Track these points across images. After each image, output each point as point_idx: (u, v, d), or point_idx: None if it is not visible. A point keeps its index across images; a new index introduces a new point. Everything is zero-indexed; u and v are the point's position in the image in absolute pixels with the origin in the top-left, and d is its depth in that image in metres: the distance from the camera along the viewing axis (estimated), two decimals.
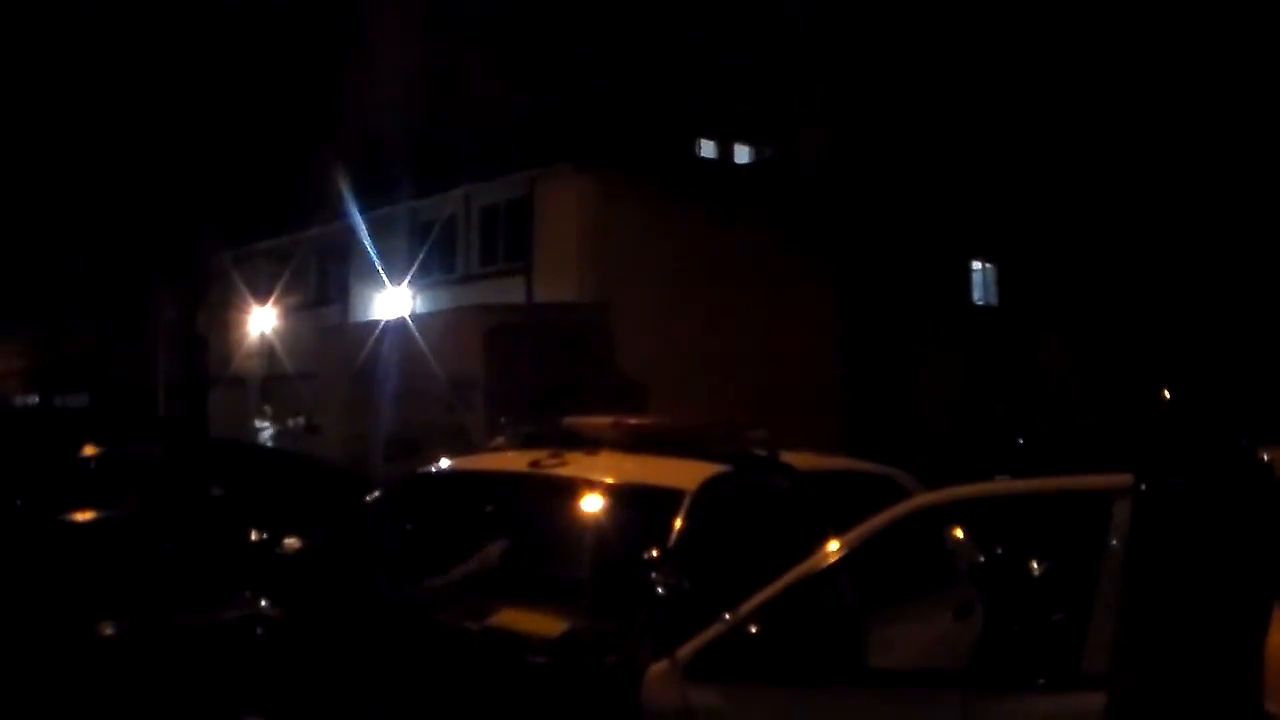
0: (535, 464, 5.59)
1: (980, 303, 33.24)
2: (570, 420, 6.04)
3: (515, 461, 5.78)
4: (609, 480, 5.35)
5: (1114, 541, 4.54)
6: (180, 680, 4.38)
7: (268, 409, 29.20)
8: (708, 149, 30.52)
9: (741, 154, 31.28)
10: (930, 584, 6.43)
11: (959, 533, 6.86)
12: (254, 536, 5.92)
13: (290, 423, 27.58)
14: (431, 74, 28.50)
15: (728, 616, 4.19)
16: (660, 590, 4.23)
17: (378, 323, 24.36)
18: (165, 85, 25.87)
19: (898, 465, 7.25)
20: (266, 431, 28.40)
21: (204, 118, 26.12)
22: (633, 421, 5.94)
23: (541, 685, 4.25)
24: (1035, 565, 7.65)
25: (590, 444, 5.74)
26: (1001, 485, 5.11)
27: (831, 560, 4.48)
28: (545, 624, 4.50)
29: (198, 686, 4.31)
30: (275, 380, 29.58)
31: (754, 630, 4.20)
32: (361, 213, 27.91)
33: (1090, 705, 4.11)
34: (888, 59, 28.57)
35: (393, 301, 26.78)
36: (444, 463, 6.27)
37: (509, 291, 24.81)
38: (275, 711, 4.04)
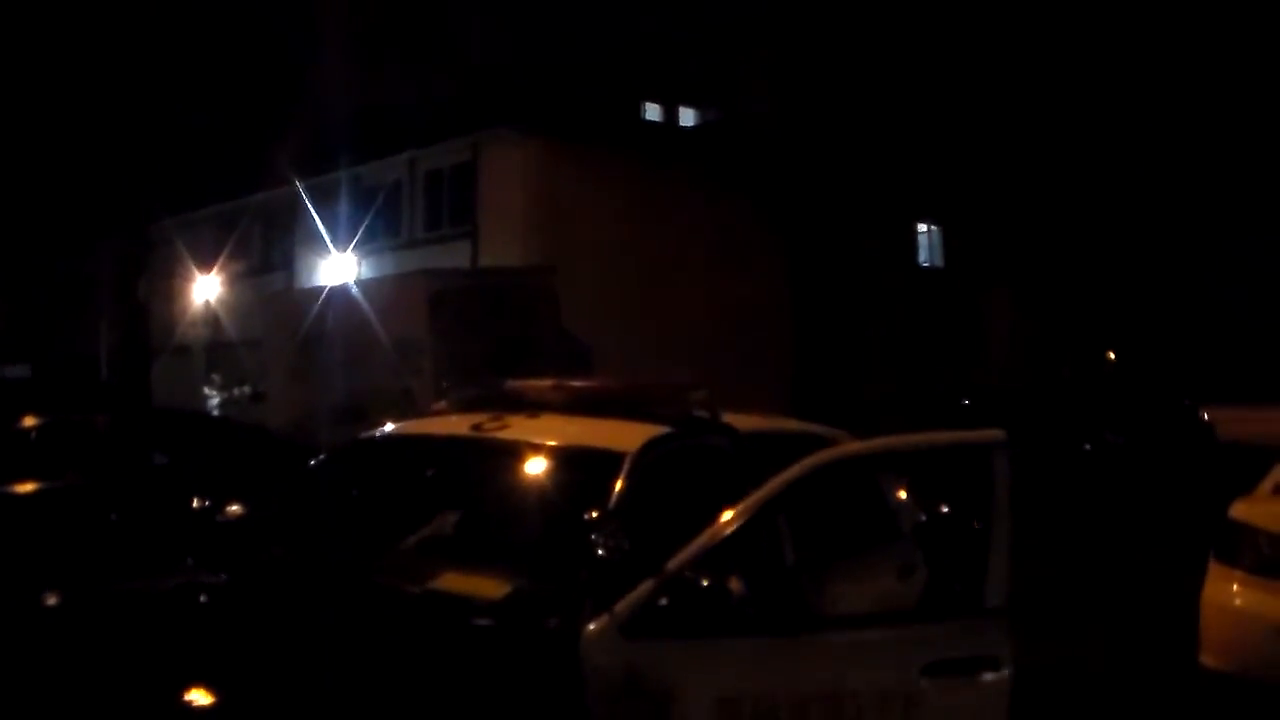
0: (477, 427, 5.58)
1: (925, 264, 33.41)
2: (512, 383, 6.04)
3: (457, 425, 5.77)
4: (550, 443, 5.35)
5: (998, 490, 4.93)
6: (124, 649, 4.36)
7: (215, 378, 29.01)
8: (653, 112, 30.49)
9: (687, 117, 31.26)
10: (872, 543, 6.48)
11: (902, 493, 6.92)
12: (196, 504, 5.87)
13: (236, 391, 27.42)
14: (375, 39, 28.30)
15: (658, 573, 4.25)
16: (600, 551, 4.25)
17: (322, 289, 24.21)
18: (106, 47, 25.53)
19: (843, 426, 7.29)
20: (214, 400, 28.23)
21: (145, 81, 25.81)
22: (574, 384, 5.95)
23: (483, 647, 4.26)
24: (978, 525, 7.73)
25: (532, 407, 5.74)
26: (897, 440, 5.39)
27: (735, 523, 4.53)
28: (487, 586, 4.50)
29: (141, 655, 4.28)
30: (220, 348, 29.43)
31: (686, 587, 4.28)
32: (305, 178, 27.74)
33: (993, 634, 4.68)
34: (833, 21, 28.60)
35: (337, 267, 26.65)
36: (387, 427, 6.26)
37: (454, 256, 24.76)
38: (220, 679, 4.02)
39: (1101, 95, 34.24)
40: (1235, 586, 6.96)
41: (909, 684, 4.55)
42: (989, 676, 4.64)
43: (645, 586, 4.26)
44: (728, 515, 4.51)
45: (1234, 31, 35.02)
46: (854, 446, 5.31)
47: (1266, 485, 7.45)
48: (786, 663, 4.42)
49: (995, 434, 5.06)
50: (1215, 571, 7.16)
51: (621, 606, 4.24)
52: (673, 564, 4.26)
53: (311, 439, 16.51)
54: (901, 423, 19.36)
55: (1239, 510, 7.20)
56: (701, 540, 4.40)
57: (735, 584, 4.36)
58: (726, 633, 4.38)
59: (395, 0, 29.18)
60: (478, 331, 19.89)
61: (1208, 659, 7.01)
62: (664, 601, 4.27)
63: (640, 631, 4.24)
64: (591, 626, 4.19)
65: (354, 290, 22.63)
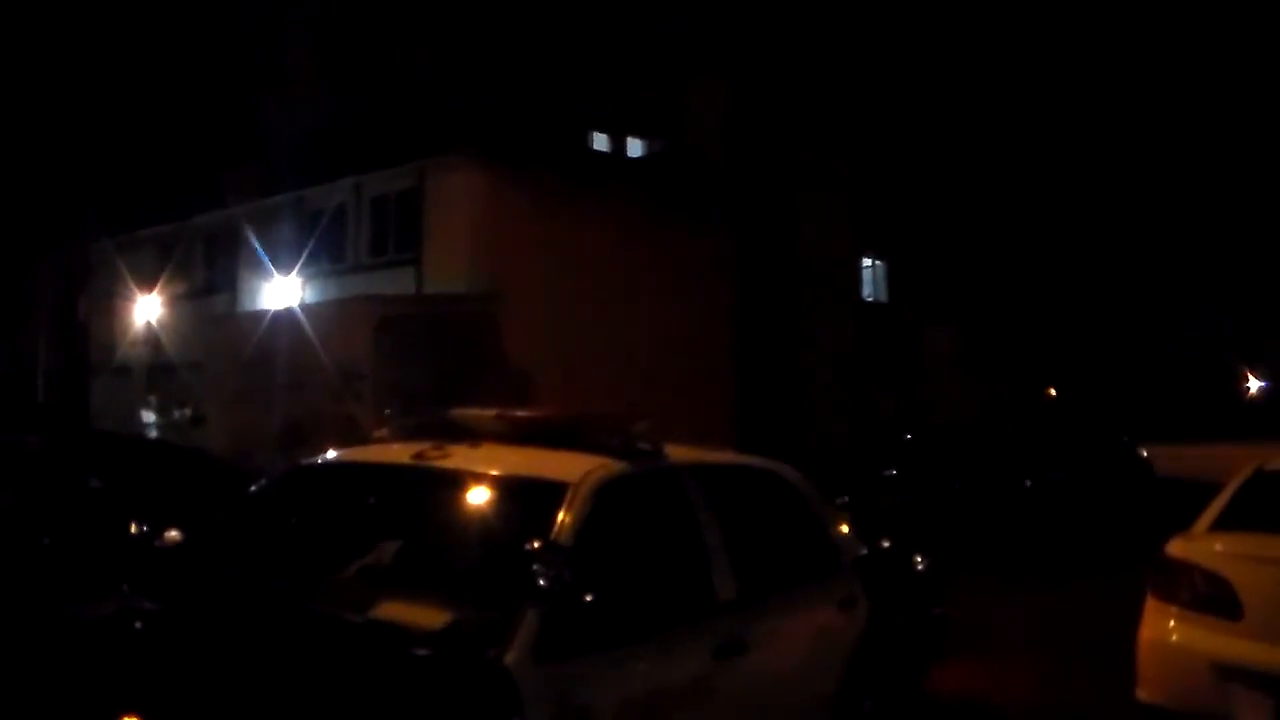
0: (419, 456, 5.59)
1: (870, 298, 33.58)
2: (454, 412, 6.03)
3: (399, 454, 5.77)
4: (493, 472, 5.36)
5: (695, 503, 5.69)
6: (56, 676, 4.29)
7: (152, 399, 28.74)
8: (600, 142, 30.52)
9: (634, 147, 31.31)
10: (816, 575, 6.52)
11: (844, 526, 6.96)
12: (133, 529, 5.78)
13: (176, 414, 27.19)
14: (321, 63, 28.23)
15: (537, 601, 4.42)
16: (542, 581, 4.26)
17: (266, 313, 24.09)
18: (46, 66, 25.33)
19: (784, 456, 7.32)
20: (151, 422, 27.96)
21: (86, 99, 25.61)
22: (517, 414, 5.95)
23: (423, 677, 4.24)
24: (919, 560, 7.79)
25: (475, 436, 5.74)
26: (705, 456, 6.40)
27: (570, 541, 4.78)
28: (428, 616, 4.47)
29: (73, 683, 4.22)
30: (161, 370, 29.14)
31: (574, 607, 4.47)
32: (249, 201, 27.57)
33: (729, 623, 5.47)
34: (779, 54, 28.79)
35: (281, 291, 26.47)
36: (328, 454, 6.22)
37: (399, 282, 24.64)
38: (153, 708, 3.97)
39: (1044, 136, 34.63)
40: (1171, 623, 7.00)
41: (706, 667, 5.25)
42: (739, 657, 5.40)
43: (533, 613, 4.39)
44: (564, 537, 4.79)
45: (1177, 68, 35.53)
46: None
47: (1203, 522, 7.50)
48: (643, 664, 4.89)
49: (689, 454, 6.08)
50: (1152, 607, 7.20)
51: (525, 635, 4.36)
52: (544, 586, 4.36)
53: (252, 463, 16.37)
54: (842, 455, 19.49)
55: (1176, 547, 7.24)
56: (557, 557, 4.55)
57: (598, 597, 4.55)
58: (611, 645, 4.66)
59: (342, 25, 29.12)
60: (421, 359, 19.86)
61: (1144, 694, 7.06)
62: (563, 623, 4.44)
63: (549, 655, 4.38)
64: (509, 657, 4.23)
65: (297, 315, 22.53)
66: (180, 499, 9.29)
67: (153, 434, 26.36)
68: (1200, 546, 7.19)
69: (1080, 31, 35.10)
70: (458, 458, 5.52)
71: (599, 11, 29.24)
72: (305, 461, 6.33)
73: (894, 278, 33.83)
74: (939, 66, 31.11)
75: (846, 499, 9.50)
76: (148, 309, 30.04)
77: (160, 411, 28.24)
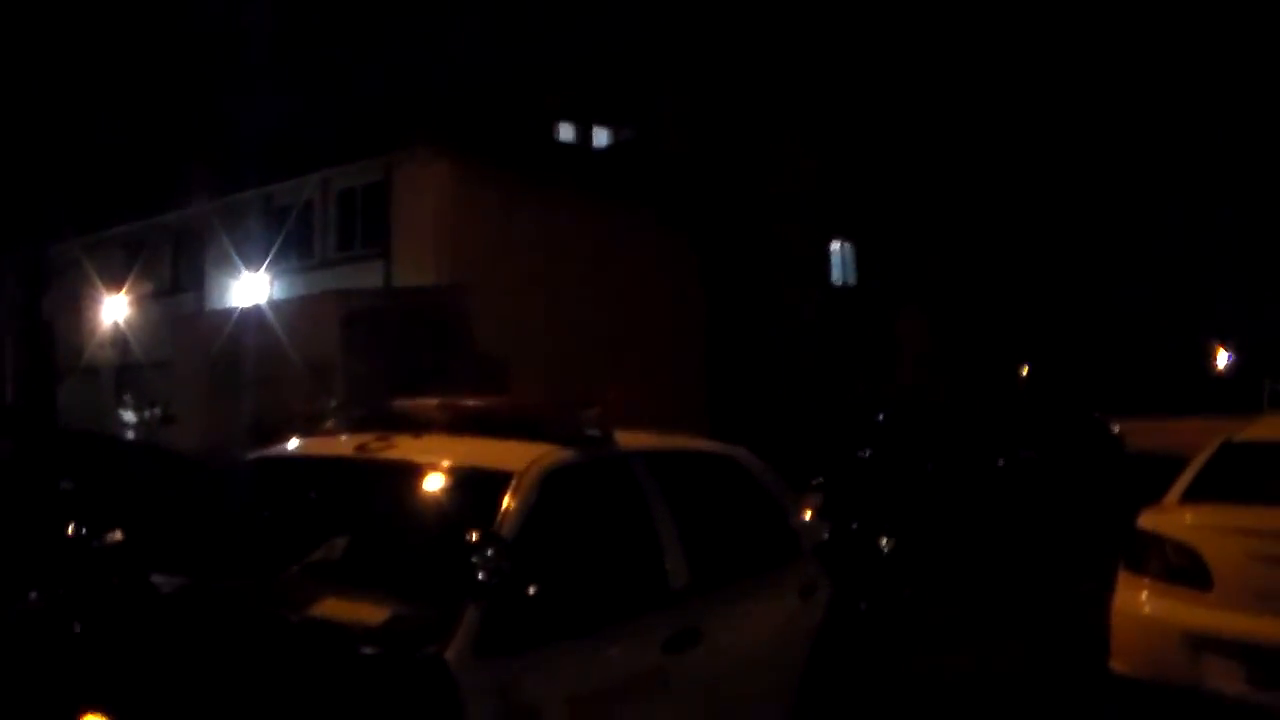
0: (362, 448, 5.47)
1: (839, 282, 33.56)
2: (399, 403, 5.93)
3: (343, 446, 5.66)
4: (436, 463, 5.25)
5: (646, 490, 5.52)
6: (15, 675, 4.19)
7: (128, 399, 28.61)
8: (567, 131, 30.45)
9: (601, 136, 31.25)
10: (774, 562, 6.43)
11: (806, 511, 6.87)
12: (70, 531, 5.65)
13: (146, 413, 27.05)
14: (286, 58, 28.08)
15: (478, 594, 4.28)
16: (481, 574, 4.14)
17: (234, 310, 23.97)
18: (8, 61, 25.10)
19: (755, 441, 7.27)
20: (130, 420, 27.80)
21: (49, 97, 25.40)
22: (461, 403, 5.84)
23: (362, 675, 4.12)
24: (885, 542, 7.71)
25: (420, 426, 5.63)
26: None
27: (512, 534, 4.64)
28: (368, 612, 4.35)
29: (33, 681, 4.12)
30: (130, 370, 29.03)
31: (517, 600, 4.34)
32: (216, 198, 27.46)
33: (682, 613, 5.32)
34: (745, 39, 28.72)
35: (249, 288, 26.36)
36: (271, 449, 6.12)
37: (367, 276, 24.58)
38: (116, 706, 3.86)
39: (1009, 116, 34.66)
40: (1144, 594, 7.11)
41: (657, 658, 5.08)
42: (693, 648, 5.24)
43: (474, 607, 4.27)
44: (507, 528, 4.65)
45: (1140, 44, 35.61)
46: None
47: (1173, 495, 7.58)
48: (591, 657, 4.77)
49: (641, 440, 5.96)
50: (1125, 580, 7.29)
51: (466, 629, 4.24)
52: (483, 579, 4.21)
53: (223, 461, 16.21)
54: (812, 438, 19.44)
55: (1147, 520, 7.33)
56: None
57: (543, 589, 4.41)
58: (558, 638, 4.54)
59: (308, 19, 28.96)
60: (390, 352, 19.75)
61: (1117, 665, 7.16)
62: (506, 617, 4.32)
63: (491, 650, 4.26)
64: (449, 653, 4.12)
65: (266, 312, 22.43)
66: (151, 499, 9.15)
67: (123, 434, 26.20)
68: (1170, 519, 7.28)
69: (1044, 14, 35.15)
70: (401, 448, 5.41)
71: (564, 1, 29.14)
72: (250, 456, 6.22)
73: (863, 261, 33.81)
74: (905, 50, 31.09)
75: (821, 480, 9.45)
76: (115, 309, 29.89)
77: (129, 411, 28.09)
